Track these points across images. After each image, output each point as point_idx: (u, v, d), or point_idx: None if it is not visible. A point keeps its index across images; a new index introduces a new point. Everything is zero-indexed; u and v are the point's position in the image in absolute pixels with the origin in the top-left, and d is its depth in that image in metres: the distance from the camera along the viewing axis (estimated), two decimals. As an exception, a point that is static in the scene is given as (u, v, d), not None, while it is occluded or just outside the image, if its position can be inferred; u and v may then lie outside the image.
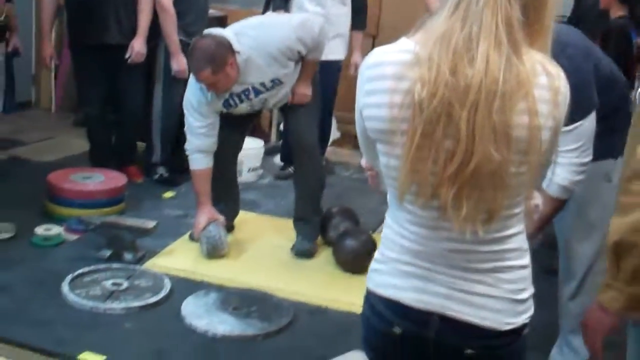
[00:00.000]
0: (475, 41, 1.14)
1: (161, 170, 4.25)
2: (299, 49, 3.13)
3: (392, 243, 1.31)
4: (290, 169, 4.43)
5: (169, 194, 4.05)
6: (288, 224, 3.47)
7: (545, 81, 1.18)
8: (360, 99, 1.27)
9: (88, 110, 4.04)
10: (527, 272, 1.30)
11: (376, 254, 1.37)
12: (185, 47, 3.77)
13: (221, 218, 3.30)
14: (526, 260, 1.30)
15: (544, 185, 2.06)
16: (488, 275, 1.25)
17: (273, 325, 2.65)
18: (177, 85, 4.01)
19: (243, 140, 3.55)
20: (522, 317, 1.28)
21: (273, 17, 3.30)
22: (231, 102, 3.18)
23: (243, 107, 3.23)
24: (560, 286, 2.46)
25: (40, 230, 3.34)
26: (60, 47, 5.80)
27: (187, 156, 3.26)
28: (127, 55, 3.97)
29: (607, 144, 2.19)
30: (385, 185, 1.33)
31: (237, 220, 3.58)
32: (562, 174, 2.05)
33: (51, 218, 3.56)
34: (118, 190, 3.75)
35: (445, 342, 1.27)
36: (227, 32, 3.07)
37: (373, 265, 1.36)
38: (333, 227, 3.41)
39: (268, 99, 3.25)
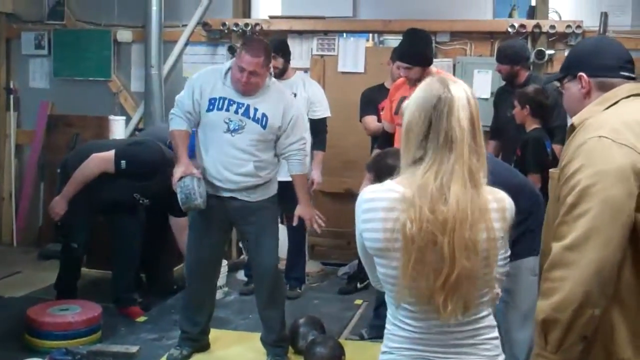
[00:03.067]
0: (447, 186, 1.59)
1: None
2: (284, 122, 3.47)
3: (394, 336, 1.71)
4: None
5: (142, 318, 4.27)
6: (259, 337, 3.73)
7: (496, 205, 1.65)
8: (360, 225, 1.69)
9: (74, 246, 4.23)
10: (498, 342, 1.73)
11: (382, 347, 1.75)
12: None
13: (197, 172, 3.45)
14: (496, 333, 1.73)
15: None
16: (471, 348, 1.67)
17: None
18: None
19: (222, 255, 3.86)
20: None
21: None
22: (219, 103, 3.45)
23: (218, 116, 3.45)
24: None
25: (24, 364, 3.51)
26: (19, 183, 6.06)
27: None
28: None
29: (528, 244, 2.61)
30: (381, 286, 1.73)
31: (212, 338, 3.84)
32: None
33: (32, 351, 3.70)
34: (95, 319, 3.94)
35: None
36: None
37: (381, 357, 1.74)
38: (302, 336, 3.72)
39: (241, 134, 3.43)
